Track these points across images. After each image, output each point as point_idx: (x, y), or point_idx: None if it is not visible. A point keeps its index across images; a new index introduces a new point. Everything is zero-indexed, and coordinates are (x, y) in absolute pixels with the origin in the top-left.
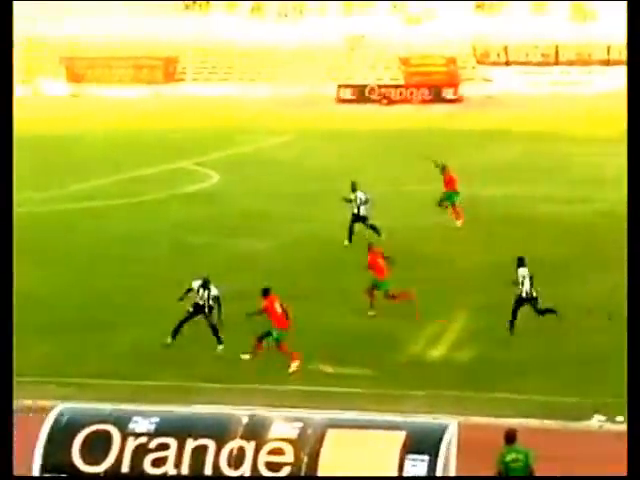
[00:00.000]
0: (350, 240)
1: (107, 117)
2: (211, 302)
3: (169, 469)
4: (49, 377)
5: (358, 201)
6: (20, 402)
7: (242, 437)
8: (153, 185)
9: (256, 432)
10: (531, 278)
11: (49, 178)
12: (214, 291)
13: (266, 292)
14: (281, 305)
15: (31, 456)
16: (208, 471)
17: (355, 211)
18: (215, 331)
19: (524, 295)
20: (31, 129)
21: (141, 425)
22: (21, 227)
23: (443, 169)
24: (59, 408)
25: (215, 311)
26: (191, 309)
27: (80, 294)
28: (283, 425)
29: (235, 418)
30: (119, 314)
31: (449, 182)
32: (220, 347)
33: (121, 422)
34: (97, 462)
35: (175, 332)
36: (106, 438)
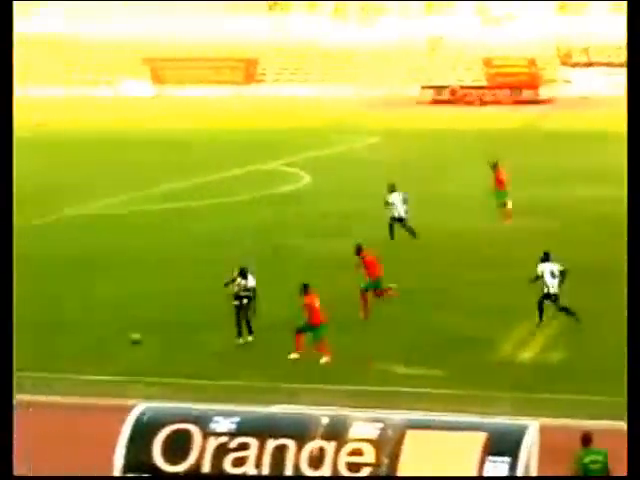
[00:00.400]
0: (415, 235)
1: (188, 118)
2: (246, 292)
3: (249, 469)
4: (137, 376)
5: (400, 201)
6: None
7: (322, 437)
8: (240, 186)
9: (336, 432)
10: (552, 274)
11: (136, 179)
12: (251, 282)
13: (306, 288)
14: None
15: (111, 454)
16: (289, 471)
17: (396, 214)
18: (246, 321)
19: (546, 291)
20: (114, 129)
21: (222, 425)
22: (109, 229)
23: (494, 166)
24: (141, 407)
25: (249, 301)
26: (236, 302)
27: (169, 295)
28: (363, 425)
29: (315, 418)
30: (207, 315)
31: (499, 181)
32: (250, 338)
33: (202, 421)
34: (178, 461)
35: (239, 331)
36: (187, 437)
